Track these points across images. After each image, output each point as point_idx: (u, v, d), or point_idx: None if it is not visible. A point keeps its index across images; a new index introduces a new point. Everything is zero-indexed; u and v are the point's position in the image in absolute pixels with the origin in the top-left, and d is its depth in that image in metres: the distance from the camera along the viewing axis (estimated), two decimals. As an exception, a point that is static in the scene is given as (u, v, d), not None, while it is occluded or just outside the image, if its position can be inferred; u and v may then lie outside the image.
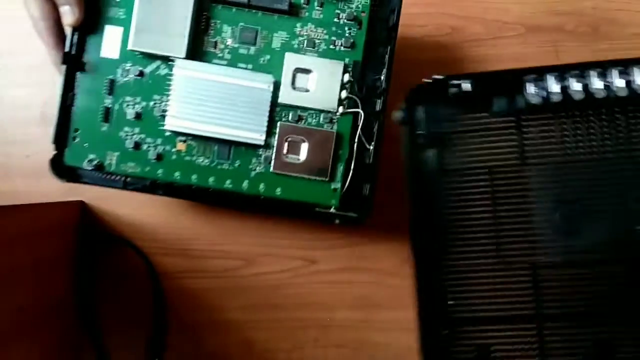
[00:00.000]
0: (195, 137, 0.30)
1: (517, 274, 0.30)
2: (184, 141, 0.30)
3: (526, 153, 0.31)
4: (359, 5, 0.30)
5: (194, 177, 0.30)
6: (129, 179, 0.30)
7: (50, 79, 0.37)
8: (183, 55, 0.29)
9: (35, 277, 0.31)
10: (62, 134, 0.30)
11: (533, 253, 0.30)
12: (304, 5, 0.30)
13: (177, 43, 0.29)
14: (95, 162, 0.30)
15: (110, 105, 0.30)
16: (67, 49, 0.29)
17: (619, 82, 0.30)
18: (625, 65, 0.30)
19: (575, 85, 0.30)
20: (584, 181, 0.30)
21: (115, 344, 0.36)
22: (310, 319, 0.37)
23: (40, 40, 0.30)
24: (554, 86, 0.30)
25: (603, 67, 0.30)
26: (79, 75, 0.30)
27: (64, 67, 0.29)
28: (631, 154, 0.30)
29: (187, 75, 0.29)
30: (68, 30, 0.29)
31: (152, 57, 0.30)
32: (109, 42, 0.30)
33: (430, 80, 0.30)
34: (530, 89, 0.30)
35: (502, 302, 0.30)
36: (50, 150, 0.37)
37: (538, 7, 0.38)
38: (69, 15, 0.28)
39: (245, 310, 0.37)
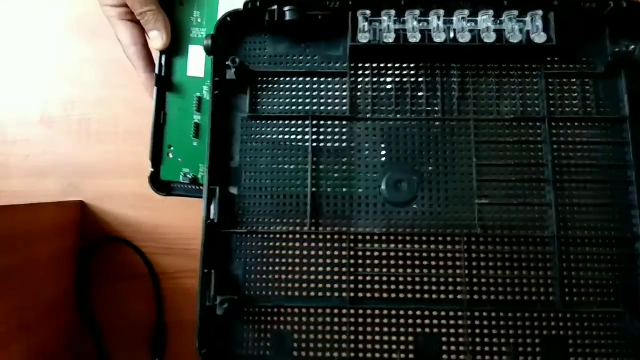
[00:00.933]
0: None
1: (332, 247, 0.24)
2: None
3: (356, 105, 0.25)
4: None
5: None
6: None
7: (49, 79, 0.37)
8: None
9: (35, 277, 0.31)
10: (157, 152, 0.31)
11: (354, 224, 0.24)
12: None
13: None
14: (190, 176, 0.31)
15: (199, 121, 0.31)
16: (157, 71, 0.31)
17: (461, 26, 0.24)
18: (475, 6, 0.24)
19: (413, 27, 0.24)
20: (419, 144, 0.25)
21: (115, 344, 0.36)
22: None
23: (131, 63, 0.31)
24: (389, 25, 0.24)
25: (448, 8, 0.24)
26: (169, 95, 0.31)
27: (154, 88, 0.31)
28: (469, 116, 0.25)
29: None
30: (155, 54, 0.31)
31: None
32: (194, 62, 0.31)
33: (248, 5, 0.25)
34: (363, 26, 0.24)
35: (311, 281, 0.24)
36: (50, 151, 0.37)
37: None
38: (158, 40, 0.30)
39: (246, 311, 0.37)
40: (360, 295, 0.24)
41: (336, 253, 0.24)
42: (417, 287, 0.24)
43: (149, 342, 0.36)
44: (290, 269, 0.25)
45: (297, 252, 0.25)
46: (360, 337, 0.24)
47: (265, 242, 0.25)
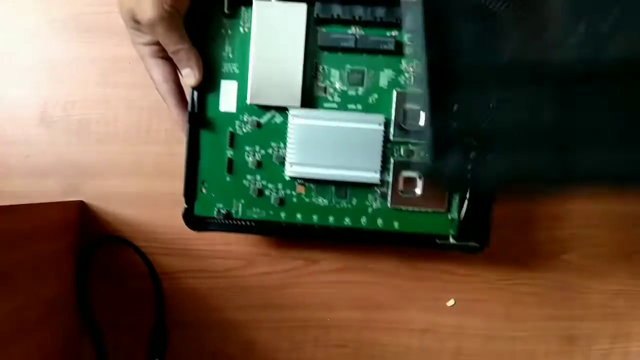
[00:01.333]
0: (313, 180, 0.31)
1: (531, 80, 0.25)
2: (303, 184, 0.31)
3: None
4: None
5: (314, 217, 0.31)
6: (254, 224, 0.32)
7: (49, 79, 0.37)
8: (298, 104, 0.30)
9: (36, 277, 0.31)
10: (191, 188, 0.31)
11: (559, 70, 0.25)
12: (408, 43, 0.30)
13: (291, 93, 0.30)
14: (223, 211, 0.31)
15: (232, 156, 0.31)
16: (189, 108, 0.31)
17: None
18: None
19: None
20: None
21: (115, 344, 0.36)
22: (310, 319, 0.37)
23: (163, 100, 0.31)
24: None
25: None
26: (201, 131, 0.31)
27: (186, 124, 0.31)
28: None
29: (302, 123, 0.30)
30: (187, 90, 0.31)
31: (267, 107, 0.31)
32: (226, 97, 0.31)
33: None
34: None
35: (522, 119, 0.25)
36: (50, 151, 0.37)
37: None
38: (190, 78, 0.30)
39: (245, 310, 0.37)
40: (574, 128, 0.25)
41: (543, 96, 0.25)
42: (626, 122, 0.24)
43: (149, 342, 0.36)
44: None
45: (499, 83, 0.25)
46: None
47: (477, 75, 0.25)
